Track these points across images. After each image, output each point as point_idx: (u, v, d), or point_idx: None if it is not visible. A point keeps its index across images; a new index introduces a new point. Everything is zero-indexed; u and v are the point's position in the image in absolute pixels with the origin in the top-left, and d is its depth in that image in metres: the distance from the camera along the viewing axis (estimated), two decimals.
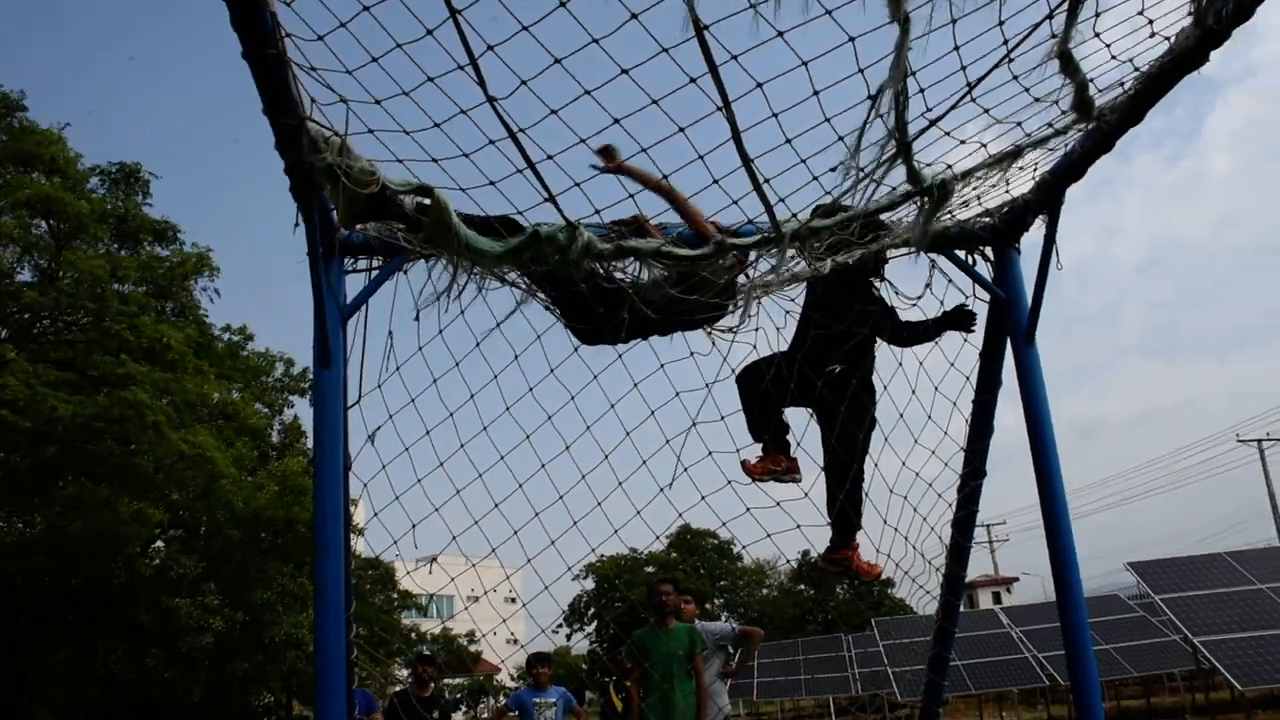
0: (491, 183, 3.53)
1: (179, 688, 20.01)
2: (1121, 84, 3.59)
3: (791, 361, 4.98)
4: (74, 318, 16.68)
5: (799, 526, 4.89)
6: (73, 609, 18.85)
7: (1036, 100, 3.52)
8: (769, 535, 4.84)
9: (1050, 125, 3.73)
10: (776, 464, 5.01)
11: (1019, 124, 3.72)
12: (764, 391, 5.00)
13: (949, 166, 3.79)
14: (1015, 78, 3.36)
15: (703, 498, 4.83)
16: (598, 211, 3.73)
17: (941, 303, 5.14)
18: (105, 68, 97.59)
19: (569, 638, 50.06)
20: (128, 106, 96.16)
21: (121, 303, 16.51)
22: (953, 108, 3.45)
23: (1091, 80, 3.44)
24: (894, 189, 3.94)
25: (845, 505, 5.09)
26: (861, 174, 3.62)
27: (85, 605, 18.83)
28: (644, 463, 4.82)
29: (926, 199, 3.92)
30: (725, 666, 7.91)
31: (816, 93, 3.10)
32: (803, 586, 52.55)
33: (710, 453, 4.84)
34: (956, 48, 3.13)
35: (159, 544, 20.59)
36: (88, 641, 18.99)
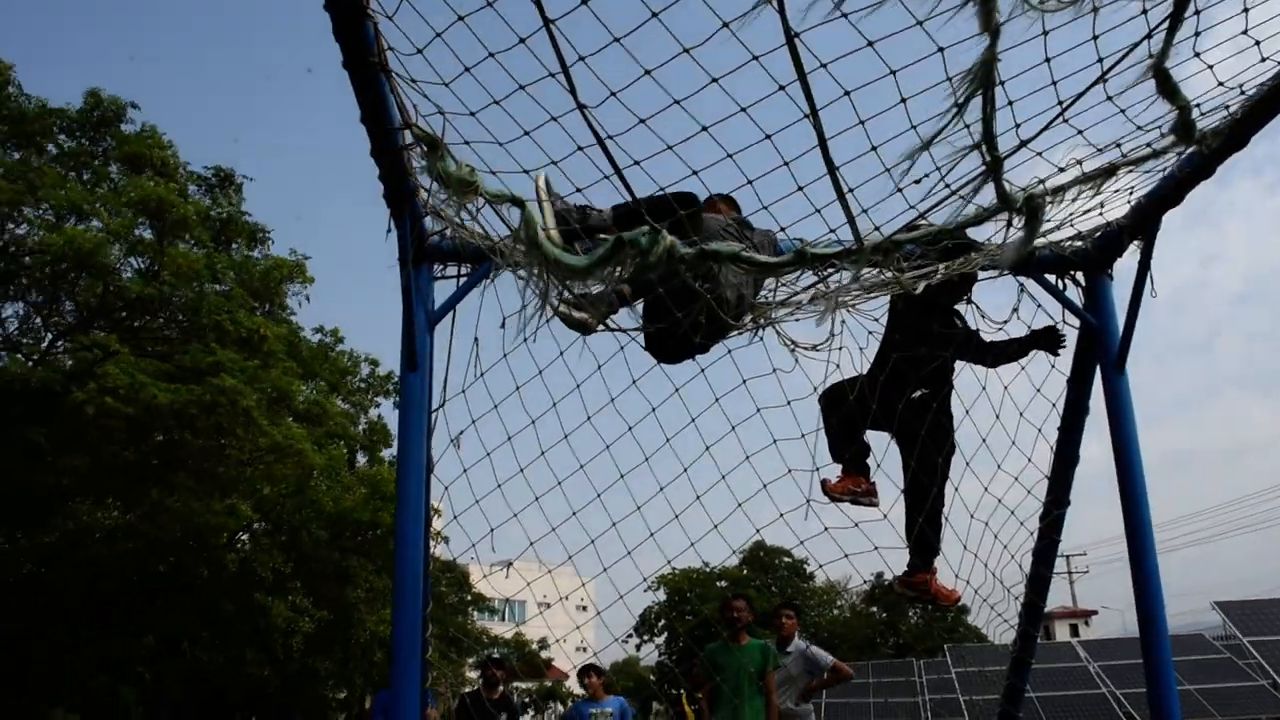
0: (579, 189, 3.59)
1: (260, 680, 20.48)
2: (1226, 108, 3.50)
3: (873, 383, 4.94)
4: (172, 313, 17.23)
5: (876, 549, 4.86)
6: (160, 596, 19.38)
7: (1139, 129, 3.46)
8: (846, 555, 4.82)
9: (1149, 146, 3.66)
10: (857, 485, 4.97)
11: (1117, 144, 3.66)
12: (846, 412, 4.97)
13: (1041, 182, 3.73)
14: (1110, 98, 3.30)
15: (780, 515, 4.83)
16: (681, 214, 3.76)
17: (1030, 328, 5.07)
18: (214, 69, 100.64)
19: (638, 648, 50.07)
20: (224, 105, 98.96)
21: (221, 299, 17.02)
22: (1045, 128, 3.40)
23: (1196, 104, 3.36)
24: (982, 208, 3.89)
25: (924, 529, 5.04)
26: (950, 190, 3.59)
27: (172, 593, 19.34)
28: (723, 477, 4.83)
29: (1016, 218, 3.87)
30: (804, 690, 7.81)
31: (904, 100, 3.09)
32: (874, 609, 51.92)
33: (790, 470, 4.83)
34: (1048, 60, 3.09)
35: (243, 537, 21.08)
36: (173, 628, 19.51)
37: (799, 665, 7.63)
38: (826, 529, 4.81)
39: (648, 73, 2.95)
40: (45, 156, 17.23)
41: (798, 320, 4.67)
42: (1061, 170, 3.74)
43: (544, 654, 43.98)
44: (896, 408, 4.92)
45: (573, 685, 49.04)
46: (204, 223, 17.66)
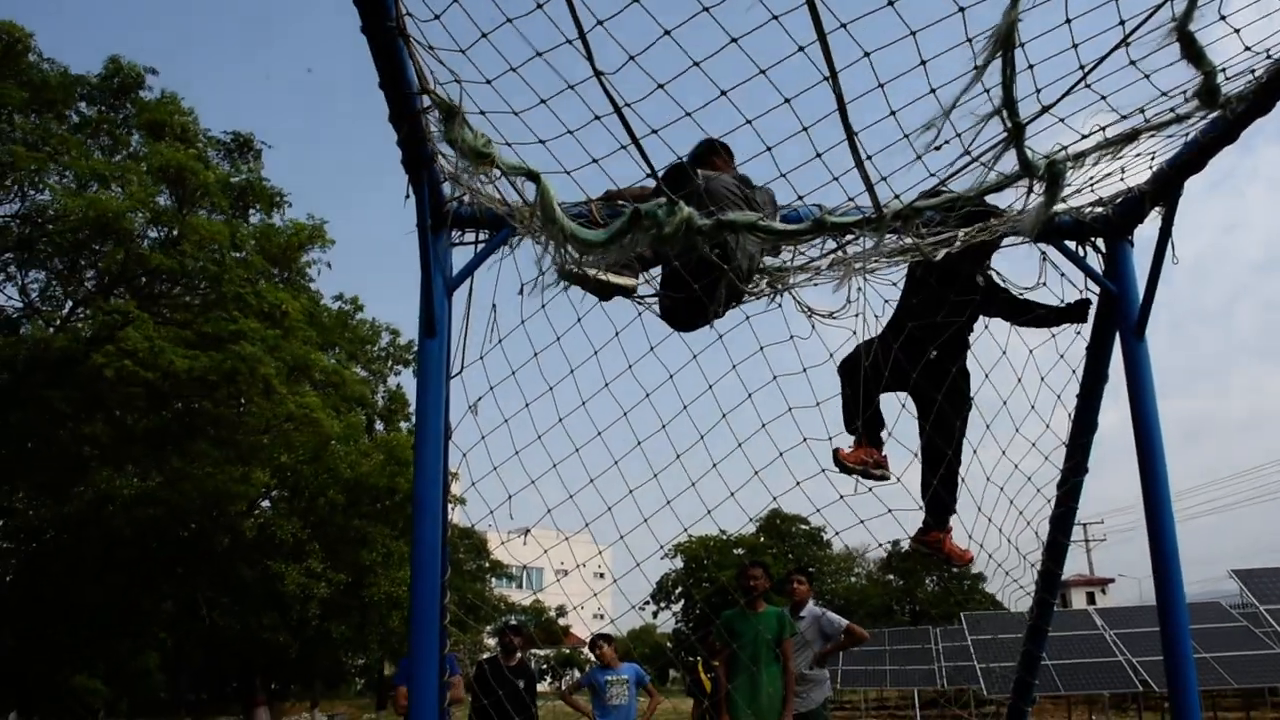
0: (595, 160, 3.57)
1: (279, 647, 20.72)
2: (1252, 72, 3.45)
3: (886, 349, 4.93)
4: (194, 281, 17.32)
5: (890, 511, 4.86)
6: (180, 563, 19.60)
7: (1163, 94, 3.41)
8: (861, 521, 4.81)
9: (1172, 111, 3.62)
10: (869, 456, 4.95)
11: (1141, 110, 3.61)
12: (863, 377, 4.95)
13: (1064, 148, 3.69)
14: (1134, 62, 3.25)
15: (797, 483, 4.81)
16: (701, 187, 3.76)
17: (1062, 300, 5.04)
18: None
19: (655, 616, 50.43)
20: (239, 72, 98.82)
21: (242, 268, 17.08)
22: (1067, 93, 3.36)
23: (1221, 69, 3.32)
24: (1002, 174, 3.86)
25: (939, 489, 5.04)
26: (971, 157, 3.57)
27: (192, 560, 19.56)
28: (739, 445, 4.82)
29: (1037, 183, 3.84)
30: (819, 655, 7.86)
31: (924, 62, 3.05)
32: (891, 576, 52.12)
33: (805, 439, 4.83)
34: (1068, 20, 3.05)
35: (264, 503, 21.27)
36: (192, 594, 19.74)
37: (813, 630, 7.68)
38: (842, 497, 4.80)
39: (667, 33, 2.93)
40: (66, 124, 17.28)
41: (816, 285, 4.65)
42: (1085, 136, 3.70)
43: (561, 621, 44.36)
44: (910, 373, 4.91)
45: (589, 653, 49.50)
46: (223, 189, 17.72)
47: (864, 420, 5.03)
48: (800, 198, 4.18)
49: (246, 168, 19.25)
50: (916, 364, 4.93)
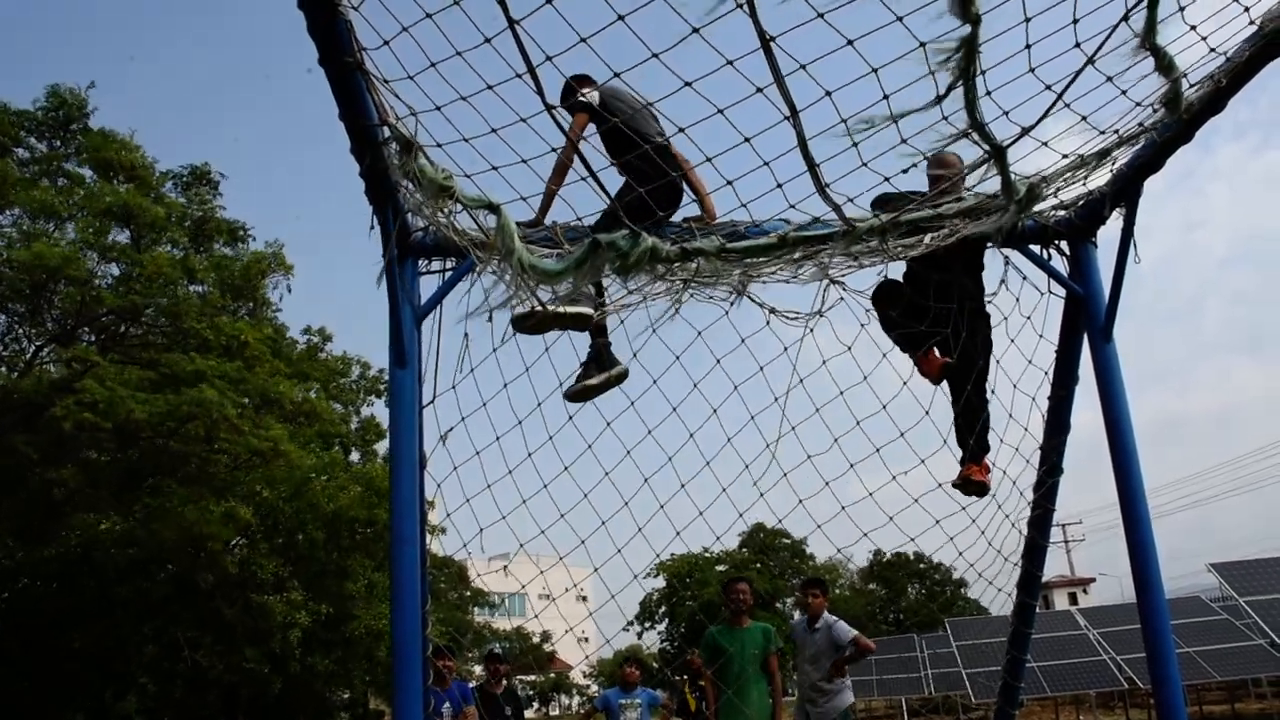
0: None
1: (262, 683, 20.44)
2: (1212, 77, 3.50)
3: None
4: (153, 320, 17.09)
5: (866, 535, 4.93)
6: (162, 603, 19.31)
7: (1137, 105, 3.45)
8: (817, 525, 4.91)
9: (1140, 125, 3.66)
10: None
11: (1116, 131, 3.65)
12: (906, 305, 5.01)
13: (1044, 179, 3.74)
14: (1109, 79, 3.28)
15: (761, 495, 4.90)
16: (660, 213, 3.77)
17: (1018, 299, 5.08)
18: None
19: (640, 636, 50.16)
20: (202, 108, 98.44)
21: (198, 301, 16.86)
22: (1044, 116, 3.37)
23: (1184, 76, 3.36)
24: (978, 194, 3.91)
25: (962, 426, 5.12)
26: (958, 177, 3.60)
27: (173, 600, 19.27)
28: (707, 464, 4.89)
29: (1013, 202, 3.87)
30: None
31: (886, 96, 3.07)
32: (873, 585, 52.21)
33: (769, 445, 4.88)
34: (1028, 46, 3.08)
35: (241, 541, 21.01)
36: (175, 635, 19.44)
37: (825, 641, 7.55)
38: (801, 502, 4.92)
39: (616, 75, 2.93)
40: (13, 158, 17.01)
41: (790, 281, 4.64)
42: (1065, 157, 3.74)
43: (546, 647, 44.10)
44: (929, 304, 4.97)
45: (576, 676, 49.28)
46: (179, 223, 17.51)
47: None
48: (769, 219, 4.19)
49: (210, 202, 19.05)
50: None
